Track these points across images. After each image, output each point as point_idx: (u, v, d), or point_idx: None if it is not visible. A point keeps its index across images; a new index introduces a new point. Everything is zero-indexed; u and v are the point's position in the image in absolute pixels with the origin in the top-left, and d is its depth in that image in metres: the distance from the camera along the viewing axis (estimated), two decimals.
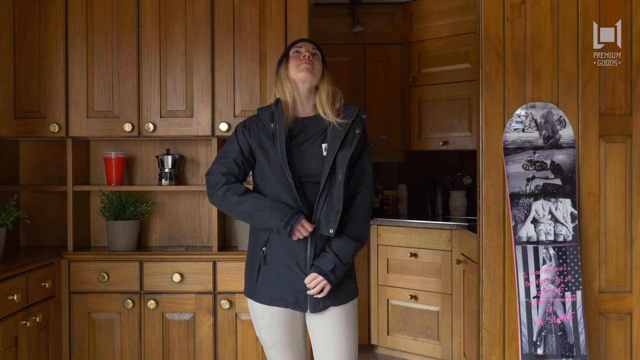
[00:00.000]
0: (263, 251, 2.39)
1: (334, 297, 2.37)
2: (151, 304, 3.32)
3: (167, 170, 3.53)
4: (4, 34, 3.40)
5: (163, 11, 3.42)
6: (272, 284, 2.37)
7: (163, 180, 3.54)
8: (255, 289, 2.41)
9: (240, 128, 2.45)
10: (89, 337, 3.35)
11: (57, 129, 3.39)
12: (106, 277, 3.33)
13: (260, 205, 2.33)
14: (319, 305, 2.36)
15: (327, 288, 2.32)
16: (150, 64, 3.42)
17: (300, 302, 2.36)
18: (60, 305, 3.35)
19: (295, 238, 2.30)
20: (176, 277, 3.32)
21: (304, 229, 2.29)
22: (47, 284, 3.18)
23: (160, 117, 3.43)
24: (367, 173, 2.44)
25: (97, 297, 3.34)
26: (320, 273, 2.31)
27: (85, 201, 3.64)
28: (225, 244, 3.65)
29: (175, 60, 3.43)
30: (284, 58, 2.50)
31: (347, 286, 2.41)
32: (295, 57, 2.45)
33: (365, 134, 2.45)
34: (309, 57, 2.42)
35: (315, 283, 2.31)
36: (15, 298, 2.86)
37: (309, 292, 2.34)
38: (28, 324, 2.96)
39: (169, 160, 3.53)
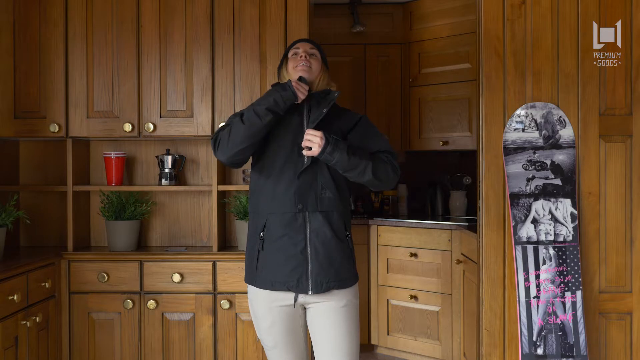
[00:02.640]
0: (261, 237, 2.39)
1: (337, 280, 2.36)
2: (151, 304, 3.32)
3: (167, 170, 3.53)
4: (4, 34, 3.40)
5: (163, 11, 3.42)
6: (272, 268, 2.37)
7: (163, 180, 3.54)
8: (256, 275, 2.42)
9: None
10: (89, 337, 3.35)
11: (57, 129, 3.39)
12: (106, 277, 3.33)
13: (256, 102, 2.37)
14: (322, 287, 2.35)
15: (317, 147, 2.28)
16: (150, 64, 3.42)
17: (301, 283, 2.35)
18: (60, 305, 3.35)
19: (301, 95, 2.33)
20: (176, 277, 3.32)
21: (299, 85, 2.34)
22: (47, 284, 3.18)
23: (160, 117, 3.43)
24: (378, 146, 2.45)
25: (97, 297, 3.34)
26: (324, 134, 2.30)
27: (85, 201, 3.64)
28: (225, 244, 3.65)
29: (175, 60, 3.43)
30: (284, 60, 2.56)
31: (348, 268, 2.41)
32: (293, 59, 2.50)
33: (356, 116, 2.50)
34: (305, 57, 2.46)
35: (312, 132, 2.30)
36: (15, 298, 2.86)
37: (303, 144, 2.32)
38: (28, 324, 2.96)
39: (169, 160, 3.53)
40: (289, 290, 2.36)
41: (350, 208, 2.54)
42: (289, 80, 2.36)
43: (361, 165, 2.33)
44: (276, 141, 2.40)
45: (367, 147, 2.43)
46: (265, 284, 2.39)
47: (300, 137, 2.38)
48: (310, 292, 2.36)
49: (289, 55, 2.53)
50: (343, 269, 2.39)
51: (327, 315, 2.38)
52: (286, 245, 2.35)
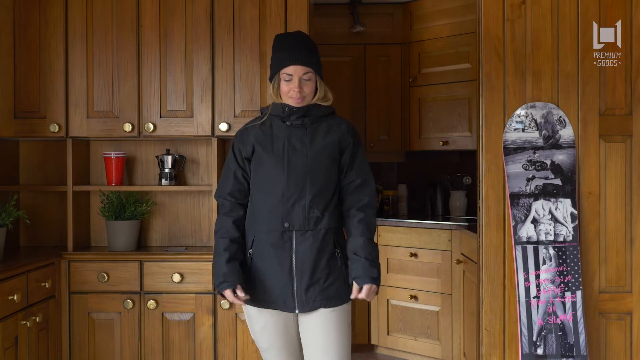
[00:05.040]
0: (250, 253, 2.39)
1: (324, 299, 2.34)
2: (151, 304, 3.32)
3: (167, 170, 3.53)
4: (4, 34, 3.40)
5: (163, 11, 3.42)
6: (259, 286, 2.37)
7: (163, 180, 3.54)
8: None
9: (232, 141, 2.49)
10: (89, 337, 3.35)
11: (57, 129, 3.39)
12: (106, 277, 3.33)
13: (216, 257, 2.39)
14: (308, 305, 2.34)
15: (374, 290, 2.37)
16: (150, 64, 3.42)
17: (288, 303, 2.35)
18: (60, 305, 3.35)
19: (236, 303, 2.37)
20: (176, 277, 3.32)
21: (229, 296, 2.33)
22: (47, 284, 3.18)
23: (160, 117, 3.43)
24: (367, 193, 2.47)
25: (97, 297, 3.34)
26: (370, 280, 2.35)
27: (85, 201, 3.64)
28: None
29: (175, 60, 3.43)
30: (276, 77, 2.39)
31: (338, 288, 2.37)
32: (285, 85, 2.36)
33: (352, 137, 2.44)
34: (299, 92, 2.34)
35: (368, 292, 2.35)
36: (15, 298, 2.86)
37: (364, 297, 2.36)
38: (28, 324, 2.96)
39: (169, 160, 3.53)
40: (276, 309, 2.37)
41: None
42: (225, 286, 2.32)
43: (376, 252, 2.40)
44: (265, 164, 2.37)
45: (358, 192, 2.42)
46: (253, 302, 2.39)
47: (287, 159, 2.35)
48: (296, 312, 2.36)
49: (282, 77, 2.36)
50: (330, 289, 2.35)
51: (317, 320, 2.36)
52: (272, 264, 2.35)
